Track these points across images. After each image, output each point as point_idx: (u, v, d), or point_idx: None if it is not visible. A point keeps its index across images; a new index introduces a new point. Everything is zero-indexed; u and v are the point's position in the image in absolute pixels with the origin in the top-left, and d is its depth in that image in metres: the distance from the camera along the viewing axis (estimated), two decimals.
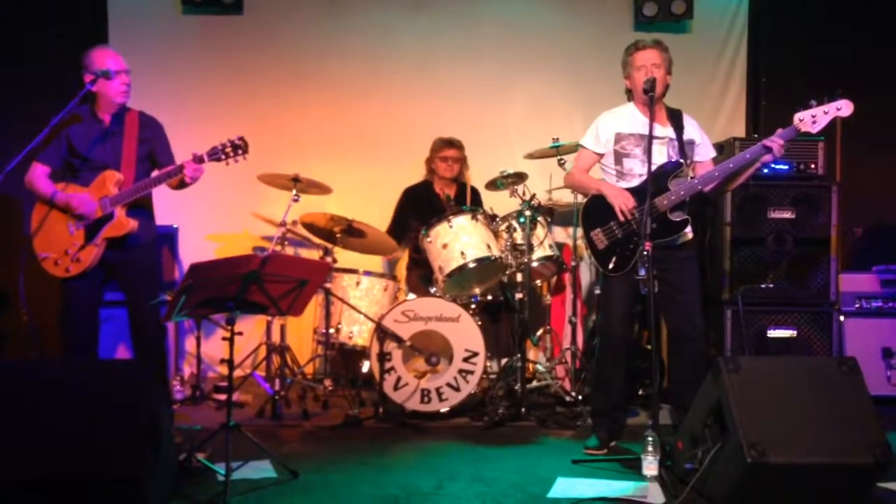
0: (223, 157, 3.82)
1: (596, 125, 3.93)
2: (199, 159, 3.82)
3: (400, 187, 5.47)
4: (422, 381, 4.39)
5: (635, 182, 3.80)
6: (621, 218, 3.73)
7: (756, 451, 2.83)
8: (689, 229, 3.84)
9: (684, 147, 3.79)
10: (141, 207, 3.96)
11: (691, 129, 3.87)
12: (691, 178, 3.76)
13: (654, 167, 3.64)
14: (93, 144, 3.89)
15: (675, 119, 3.85)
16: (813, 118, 3.55)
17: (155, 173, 3.97)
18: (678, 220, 3.74)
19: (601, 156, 3.92)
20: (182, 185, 3.93)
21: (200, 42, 5.72)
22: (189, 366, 5.31)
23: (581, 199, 4.05)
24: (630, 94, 3.92)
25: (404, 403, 4.37)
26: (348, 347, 4.80)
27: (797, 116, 3.58)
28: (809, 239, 4.89)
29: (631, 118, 3.86)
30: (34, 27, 5.45)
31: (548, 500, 3.17)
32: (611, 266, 3.79)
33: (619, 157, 3.85)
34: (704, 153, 3.90)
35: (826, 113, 3.55)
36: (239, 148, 3.81)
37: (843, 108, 3.56)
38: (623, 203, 3.72)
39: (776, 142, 3.57)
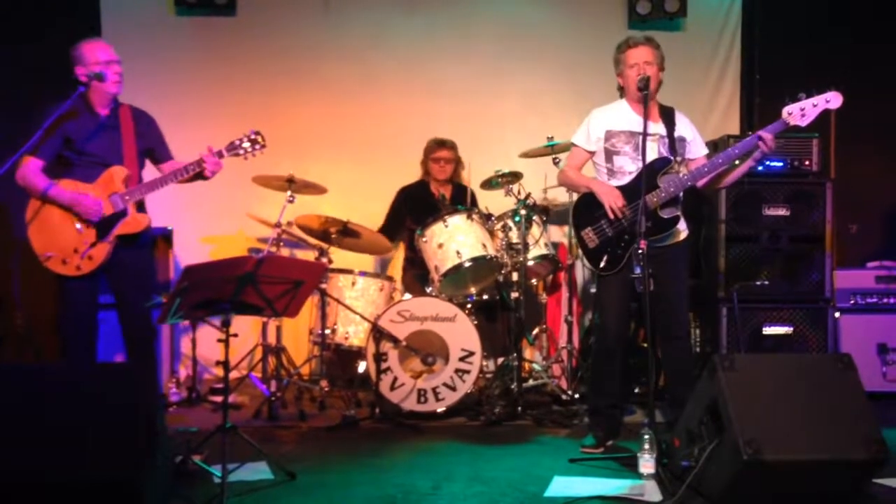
0: (241, 151, 3.92)
1: (587, 122, 3.91)
2: (218, 154, 3.88)
3: (395, 187, 5.46)
4: (418, 382, 4.38)
5: (626, 179, 3.79)
6: (611, 216, 3.72)
7: (752, 449, 2.84)
8: (682, 226, 3.83)
9: (675, 144, 3.78)
10: (141, 205, 3.93)
11: (683, 127, 3.85)
12: (682, 174, 3.74)
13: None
14: (90, 138, 3.83)
15: (667, 116, 3.83)
16: (802, 111, 3.52)
17: (169, 167, 3.97)
18: (668, 217, 3.73)
19: (592, 153, 3.91)
20: (192, 179, 3.93)
21: (193, 43, 5.71)
22: (185, 368, 5.30)
23: (576, 197, 4.05)
24: (622, 92, 3.91)
25: (401, 404, 4.37)
26: (344, 348, 4.79)
27: (786, 110, 3.55)
28: (804, 236, 4.90)
29: (622, 115, 3.84)
30: (27, 27, 5.43)
31: (545, 499, 3.17)
32: (602, 265, 3.78)
33: (609, 154, 3.83)
34: (696, 150, 3.87)
35: (815, 106, 3.51)
36: (256, 142, 3.93)
37: (833, 100, 3.52)
38: (613, 201, 3.71)
39: (764, 136, 3.55)
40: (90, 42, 3.88)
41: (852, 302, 5.02)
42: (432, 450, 3.87)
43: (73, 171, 3.82)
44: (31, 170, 3.77)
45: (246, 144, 3.93)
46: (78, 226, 3.78)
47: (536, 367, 5.11)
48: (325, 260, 4.81)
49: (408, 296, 4.60)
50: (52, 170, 3.84)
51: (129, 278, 3.88)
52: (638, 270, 3.38)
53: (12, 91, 5.28)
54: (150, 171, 4.07)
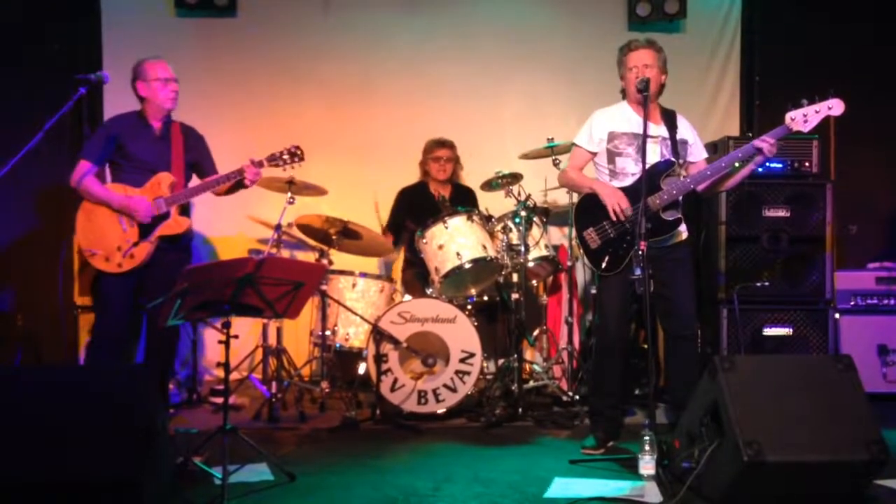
0: (281, 163, 4.16)
1: (589, 123, 3.92)
2: (258, 164, 4.09)
3: (395, 188, 5.46)
4: (418, 383, 4.39)
5: (628, 181, 3.79)
6: (614, 217, 3.72)
7: (752, 450, 2.84)
8: (683, 228, 3.85)
9: (677, 146, 3.79)
10: (185, 211, 4.17)
11: (684, 130, 3.87)
12: (683, 177, 3.76)
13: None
14: (144, 147, 4.07)
15: (669, 118, 3.85)
16: (804, 117, 3.56)
17: (212, 177, 4.18)
18: (671, 219, 3.74)
19: (594, 154, 3.92)
20: (229, 191, 4.20)
21: (194, 44, 5.71)
22: (185, 369, 5.29)
23: (577, 198, 4.05)
24: (625, 93, 3.92)
25: (401, 405, 4.37)
26: (345, 349, 4.79)
27: (789, 115, 3.58)
28: (804, 237, 4.90)
29: (624, 117, 3.85)
30: (27, 28, 5.43)
31: (545, 500, 3.16)
32: (603, 266, 3.79)
33: (611, 155, 3.84)
34: (697, 153, 3.90)
35: (817, 112, 3.55)
36: (295, 155, 4.17)
37: (835, 107, 3.55)
38: (616, 202, 3.71)
39: (767, 141, 3.58)
40: (152, 60, 4.13)
41: (852, 303, 5.02)
42: (432, 451, 3.87)
43: (124, 175, 4.07)
44: (85, 173, 4.02)
45: (286, 157, 4.15)
46: (123, 225, 3.98)
47: (537, 368, 5.11)
48: (325, 261, 4.81)
49: (408, 297, 4.60)
50: (103, 174, 4.12)
51: (165, 278, 3.92)
52: (638, 272, 3.38)
53: (12, 91, 5.29)
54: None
